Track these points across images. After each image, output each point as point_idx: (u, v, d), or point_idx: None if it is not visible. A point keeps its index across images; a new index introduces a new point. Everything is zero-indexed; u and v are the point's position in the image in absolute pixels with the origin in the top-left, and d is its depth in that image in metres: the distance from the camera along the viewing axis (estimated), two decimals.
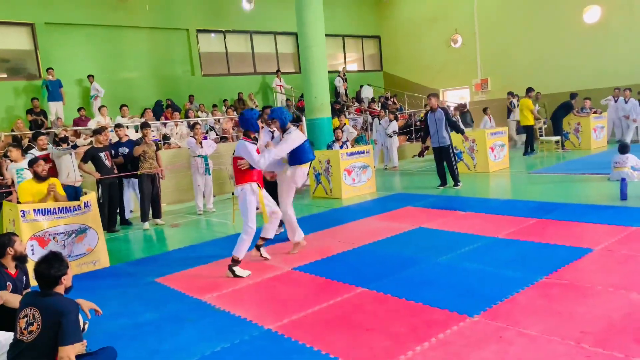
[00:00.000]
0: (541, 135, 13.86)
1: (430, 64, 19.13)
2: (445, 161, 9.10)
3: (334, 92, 17.86)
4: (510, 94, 15.34)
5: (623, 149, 8.35)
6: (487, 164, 10.41)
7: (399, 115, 15.43)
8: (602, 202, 6.74)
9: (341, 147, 9.57)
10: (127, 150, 8.17)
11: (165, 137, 11.65)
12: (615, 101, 13.67)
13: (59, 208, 5.60)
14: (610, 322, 3.22)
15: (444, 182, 9.21)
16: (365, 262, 5.04)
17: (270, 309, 3.99)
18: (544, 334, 3.13)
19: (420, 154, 10.01)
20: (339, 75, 18.10)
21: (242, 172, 5.04)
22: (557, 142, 12.85)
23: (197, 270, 5.30)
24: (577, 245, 4.86)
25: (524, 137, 15.87)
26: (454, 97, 19.15)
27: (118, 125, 8.48)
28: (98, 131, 8.00)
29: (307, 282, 4.61)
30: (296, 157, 5.41)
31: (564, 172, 9.48)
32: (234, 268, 4.93)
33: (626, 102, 13.20)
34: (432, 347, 3.11)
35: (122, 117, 11.01)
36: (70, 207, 5.69)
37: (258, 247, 5.55)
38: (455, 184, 9.03)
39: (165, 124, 12.12)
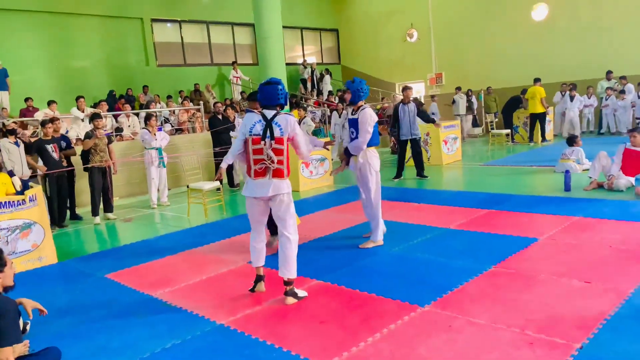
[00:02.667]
0: (492, 129, 14.28)
1: (387, 58, 19.36)
2: (415, 152, 9.22)
3: (302, 83, 17.85)
4: (458, 89, 15.74)
5: (569, 140, 8.72)
6: (440, 156, 10.65)
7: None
8: (548, 193, 7.02)
9: None
10: (64, 144, 7.93)
11: (118, 129, 11.31)
12: (562, 96, 14.24)
13: (1, 202, 5.35)
14: (553, 309, 3.35)
15: (399, 175, 9.34)
16: (321, 255, 5.07)
17: (224, 304, 3.94)
18: (491, 322, 3.24)
19: (394, 151, 10.03)
20: (309, 67, 18.04)
21: None
22: (507, 135, 13.25)
23: (150, 266, 5.18)
24: (524, 235, 5.05)
25: (475, 130, 16.39)
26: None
27: (44, 123, 7.74)
28: (45, 122, 7.68)
29: None
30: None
31: (513, 165, 9.81)
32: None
33: (572, 100, 13.73)
34: (383, 337, 3.15)
35: (79, 110, 10.57)
36: (13, 201, 5.45)
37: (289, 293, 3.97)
38: (423, 176, 9.23)
39: (117, 116, 11.74)
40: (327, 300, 3.85)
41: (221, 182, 8.81)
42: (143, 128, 8.92)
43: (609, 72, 13.72)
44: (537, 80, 12.84)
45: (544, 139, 12.97)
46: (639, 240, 4.58)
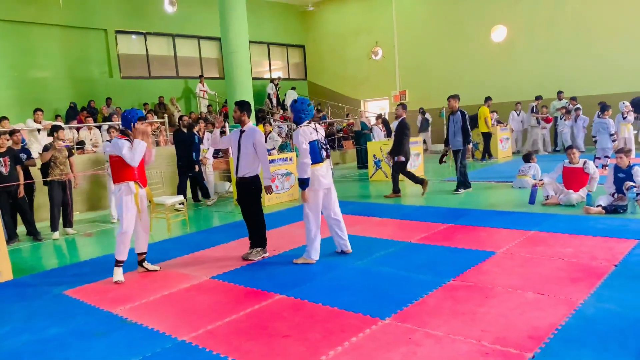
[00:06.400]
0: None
1: (353, 75, 19.68)
2: (455, 164, 8.91)
3: (267, 98, 17.91)
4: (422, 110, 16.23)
5: (526, 157, 9.06)
6: None
7: (321, 124, 15.68)
8: (506, 208, 7.26)
9: None
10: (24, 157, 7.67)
11: (80, 142, 11.08)
12: (518, 114, 14.78)
13: None
14: (507, 320, 3.47)
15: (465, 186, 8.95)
16: (285, 269, 5.09)
17: (185, 320, 3.91)
18: (449, 334, 3.33)
19: (441, 160, 9.59)
20: (272, 82, 18.11)
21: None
22: None
23: (110, 282, 5.08)
24: (482, 249, 5.21)
25: (438, 146, 16.81)
26: (374, 107, 19.79)
27: None
28: None
29: (225, 290, 4.58)
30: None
31: (473, 180, 10.05)
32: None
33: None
34: (344, 351, 3.20)
35: (36, 122, 10.29)
36: None
37: (140, 263, 5.40)
38: (457, 190, 8.85)
39: (78, 128, 11.51)
40: (290, 314, 3.87)
41: (185, 197, 8.75)
42: (107, 140, 8.78)
43: (559, 92, 14.35)
44: (487, 99, 13.34)
45: (490, 156, 13.38)
46: (589, 254, 4.80)
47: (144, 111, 13.56)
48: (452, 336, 3.29)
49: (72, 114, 12.94)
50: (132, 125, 5.11)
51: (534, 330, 3.28)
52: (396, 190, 9.04)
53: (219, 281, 4.84)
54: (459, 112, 8.76)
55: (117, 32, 15.22)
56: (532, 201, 7.27)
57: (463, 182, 8.82)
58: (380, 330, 3.46)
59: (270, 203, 9.19)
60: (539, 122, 14.15)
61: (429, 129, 16.74)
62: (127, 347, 3.49)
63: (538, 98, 14.11)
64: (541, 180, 7.17)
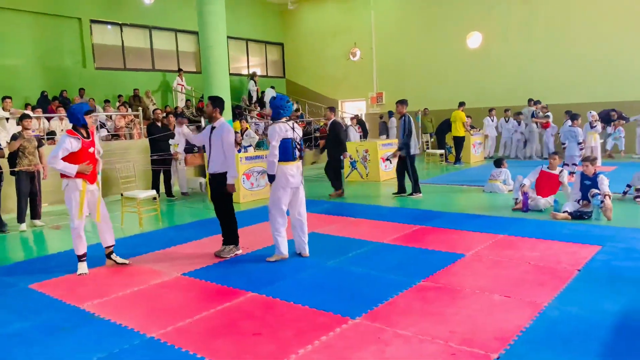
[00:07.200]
0: (427, 149, 14.83)
1: (331, 75, 19.73)
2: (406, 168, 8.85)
3: (248, 96, 17.81)
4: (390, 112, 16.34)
5: (497, 163, 9.24)
6: (378, 173, 10.96)
7: (299, 123, 15.67)
8: (476, 211, 7.39)
9: (239, 151, 9.53)
10: None
11: (51, 133, 10.83)
12: (492, 121, 15.04)
13: None
14: (475, 321, 3.55)
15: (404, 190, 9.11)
16: (257, 267, 5.08)
17: (155, 316, 3.87)
18: (418, 334, 3.38)
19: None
20: (252, 79, 18.01)
21: None
22: (441, 155, 13.81)
23: (78, 276, 5.00)
24: (452, 251, 5.30)
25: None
26: (352, 108, 19.87)
27: None
28: None
29: (196, 288, 4.55)
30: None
31: (446, 183, 10.24)
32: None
33: (507, 121, 14.56)
34: (315, 349, 3.22)
35: (4, 110, 9.99)
36: None
37: (108, 256, 5.43)
38: (411, 194, 8.89)
39: (49, 118, 11.23)
40: (262, 313, 3.87)
41: (158, 192, 8.63)
42: None
43: (530, 100, 14.66)
44: (461, 104, 13.54)
45: (457, 161, 13.50)
46: (554, 257, 4.94)
47: (118, 105, 13.30)
48: (421, 336, 3.34)
49: (44, 103, 12.62)
50: (79, 120, 4.99)
51: (500, 332, 3.35)
52: (337, 187, 9.34)
53: (190, 278, 4.81)
54: (403, 118, 8.66)
55: (92, 21, 14.91)
56: (525, 209, 7.20)
57: (418, 186, 8.88)
58: (350, 330, 3.49)
59: (245, 200, 9.15)
60: (538, 126, 14.31)
61: (388, 132, 16.78)
62: (93, 342, 3.44)
63: (537, 102, 14.27)
64: (524, 184, 7.27)
